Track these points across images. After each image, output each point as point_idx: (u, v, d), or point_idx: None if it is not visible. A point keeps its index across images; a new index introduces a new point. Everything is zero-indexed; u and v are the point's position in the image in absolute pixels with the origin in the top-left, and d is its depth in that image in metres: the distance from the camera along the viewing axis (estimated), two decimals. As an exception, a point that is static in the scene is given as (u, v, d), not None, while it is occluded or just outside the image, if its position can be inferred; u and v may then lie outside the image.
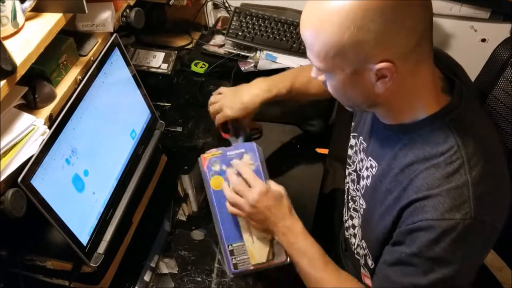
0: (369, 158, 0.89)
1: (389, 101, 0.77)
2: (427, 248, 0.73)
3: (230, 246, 0.99)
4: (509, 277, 1.22)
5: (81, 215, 0.99)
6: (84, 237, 0.98)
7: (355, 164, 0.98)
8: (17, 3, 0.87)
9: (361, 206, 0.92)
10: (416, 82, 0.74)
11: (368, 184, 0.88)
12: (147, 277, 1.06)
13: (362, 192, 0.91)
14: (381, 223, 0.82)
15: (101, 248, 1.02)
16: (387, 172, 0.81)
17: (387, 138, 0.83)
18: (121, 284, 1.05)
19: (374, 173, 0.87)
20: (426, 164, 0.74)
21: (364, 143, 0.93)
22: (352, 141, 1.01)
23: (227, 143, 1.32)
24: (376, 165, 0.86)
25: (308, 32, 0.72)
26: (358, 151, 0.96)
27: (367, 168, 0.90)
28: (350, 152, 1.03)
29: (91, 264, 0.98)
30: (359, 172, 0.95)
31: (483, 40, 1.45)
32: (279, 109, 1.41)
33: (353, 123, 1.02)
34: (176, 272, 1.06)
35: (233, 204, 0.95)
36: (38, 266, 1.04)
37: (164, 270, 1.07)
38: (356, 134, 0.99)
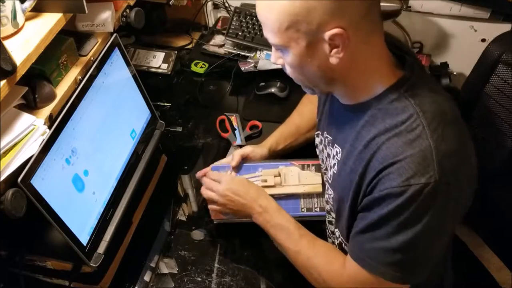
0: (335, 145, 0.90)
1: (345, 76, 0.78)
2: (395, 213, 0.74)
3: (303, 209, 1.06)
4: (509, 277, 1.22)
5: (81, 215, 0.99)
6: (84, 237, 0.98)
7: (324, 162, 0.99)
8: (17, 3, 0.87)
9: (330, 196, 0.93)
10: (369, 53, 0.76)
11: (335, 171, 0.89)
12: (147, 277, 1.06)
13: (330, 181, 0.92)
14: (351, 203, 0.83)
15: (101, 248, 1.02)
16: (351, 153, 0.83)
17: (349, 120, 0.84)
18: (121, 284, 1.05)
19: (339, 159, 0.88)
20: (388, 135, 0.76)
21: (328, 136, 0.94)
22: (317, 140, 1.02)
23: (227, 143, 1.32)
24: (340, 150, 0.87)
25: (263, 9, 0.74)
26: (324, 147, 0.97)
27: (333, 157, 0.90)
28: (317, 151, 1.04)
29: (91, 264, 0.99)
30: (328, 168, 0.95)
31: (483, 40, 1.45)
32: (279, 109, 1.41)
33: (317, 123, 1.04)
34: (176, 272, 1.06)
35: (208, 199, 1.07)
36: (38, 266, 1.04)
37: (164, 270, 1.07)
38: (319, 132, 1.00)
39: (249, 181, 1.05)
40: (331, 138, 0.93)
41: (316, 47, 0.74)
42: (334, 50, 0.73)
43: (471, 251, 1.25)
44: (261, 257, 1.08)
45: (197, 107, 1.43)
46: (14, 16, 0.86)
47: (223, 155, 1.26)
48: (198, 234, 1.14)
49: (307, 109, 1.19)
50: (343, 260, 0.88)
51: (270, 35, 0.76)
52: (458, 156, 0.75)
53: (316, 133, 1.02)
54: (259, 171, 1.09)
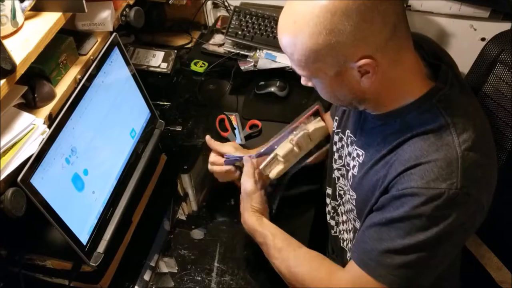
0: (356, 147, 0.90)
1: (377, 94, 0.78)
2: (409, 215, 0.73)
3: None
4: (508, 277, 1.22)
5: (81, 215, 0.99)
6: (84, 236, 0.98)
7: (342, 159, 0.99)
8: (17, 2, 0.87)
9: (351, 197, 0.93)
10: (400, 70, 0.76)
11: (355, 173, 0.89)
12: (147, 276, 1.06)
13: (350, 182, 0.92)
14: (372, 205, 0.82)
15: (101, 248, 1.02)
16: (374, 156, 0.83)
17: (376, 126, 0.84)
18: (121, 283, 1.05)
19: (360, 161, 0.88)
20: (415, 139, 0.76)
21: (351, 136, 0.94)
22: (336, 137, 1.02)
23: (226, 141, 1.32)
24: (363, 153, 0.87)
25: (287, 46, 0.74)
26: (345, 145, 0.97)
27: (353, 158, 0.90)
28: (334, 148, 1.03)
29: (91, 264, 0.99)
30: (347, 166, 0.95)
31: (483, 39, 1.45)
32: (279, 108, 1.41)
33: (336, 121, 1.03)
34: (176, 271, 1.06)
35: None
36: (38, 266, 1.04)
37: (164, 269, 1.07)
38: (339, 130, 1.00)
39: (251, 191, 1.00)
40: (354, 138, 0.92)
41: (345, 75, 0.74)
42: (365, 76, 0.73)
43: (470, 251, 1.25)
44: (261, 256, 1.08)
45: (197, 106, 1.43)
46: (14, 15, 0.86)
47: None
48: (197, 233, 1.14)
49: None
50: (329, 267, 0.87)
51: (297, 68, 0.76)
52: (483, 169, 0.75)
53: (336, 131, 1.02)
54: (273, 152, 1.06)
